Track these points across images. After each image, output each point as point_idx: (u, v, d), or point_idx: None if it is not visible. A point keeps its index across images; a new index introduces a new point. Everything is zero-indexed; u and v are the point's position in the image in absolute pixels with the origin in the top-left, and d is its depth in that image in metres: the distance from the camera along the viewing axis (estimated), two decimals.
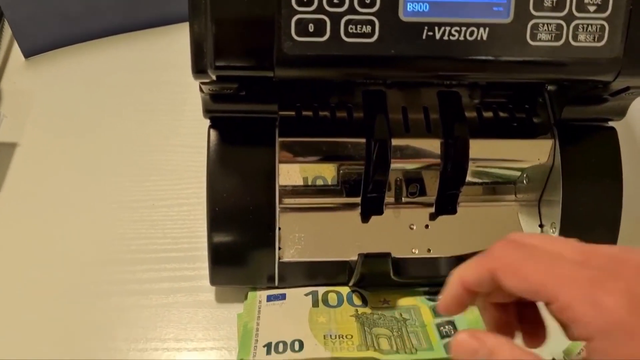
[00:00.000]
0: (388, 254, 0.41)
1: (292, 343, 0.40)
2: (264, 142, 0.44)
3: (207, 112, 0.44)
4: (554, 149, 0.47)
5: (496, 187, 0.51)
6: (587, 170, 0.46)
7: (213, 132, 0.44)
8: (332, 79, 0.45)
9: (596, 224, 0.46)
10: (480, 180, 0.50)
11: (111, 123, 0.59)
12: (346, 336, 0.41)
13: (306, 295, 0.45)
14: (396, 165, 0.45)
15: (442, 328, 0.43)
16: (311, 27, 0.36)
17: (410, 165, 0.46)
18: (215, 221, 0.44)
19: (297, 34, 0.36)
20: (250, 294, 0.46)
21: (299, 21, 0.36)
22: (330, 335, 0.41)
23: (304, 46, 0.36)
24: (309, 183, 0.49)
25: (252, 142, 0.45)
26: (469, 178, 0.48)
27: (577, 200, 0.46)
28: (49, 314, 0.46)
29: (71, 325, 0.46)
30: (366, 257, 0.41)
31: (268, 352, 0.40)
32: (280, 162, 0.45)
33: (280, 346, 0.40)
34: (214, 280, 0.46)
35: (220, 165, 0.44)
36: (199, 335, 0.46)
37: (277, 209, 0.44)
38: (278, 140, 0.45)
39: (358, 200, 0.48)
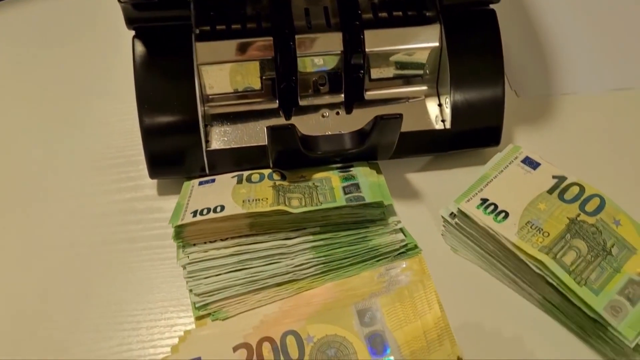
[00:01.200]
0: (291, 125, 0.47)
1: (215, 207, 0.47)
2: (183, 46, 0.51)
3: (129, 22, 0.50)
4: (441, 32, 0.53)
5: (406, 79, 0.57)
6: (470, 47, 0.53)
7: (137, 41, 0.51)
8: None
9: (482, 95, 0.53)
10: (387, 75, 0.56)
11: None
12: (262, 199, 0.47)
13: (233, 177, 0.51)
14: (303, 56, 0.51)
15: (346, 188, 0.49)
16: None
17: (315, 57, 0.52)
18: (146, 119, 0.50)
19: None
20: (185, 183, 0.52)
21: None
22: (249, 200, 0.47)
23: None
24: (238, 89, 0.55)
25: (172, 46, 0.51)
26: (377, 72, 0.54)
27: (462, 72, 0.52)
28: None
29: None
30: (272, 130, 0.47)
31: (194, 216, 0.46)
32: (199, 64, 0.51)
33: (205, 211, 0.46)
34: (152, 174, 0.52)
35: (146, 70, 0.50)
36: (145, 219, 0.52)
37: (199, 105, 0.50)
38: (195, 44, 0.51)
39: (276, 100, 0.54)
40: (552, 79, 0.64)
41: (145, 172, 0.55)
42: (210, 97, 0.54)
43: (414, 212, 0.53)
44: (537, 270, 0.45)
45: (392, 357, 0.42)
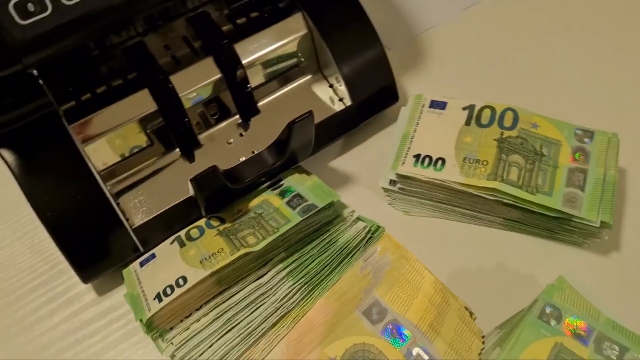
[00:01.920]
0: (213, 167, 0.44)
1: (177, 281, 0.43)
2: (58, 133, 0.45)
3: None
4: (306, 19, 0.52)
5: (286, 76, 0.56)
6: (337, 21, 0.53)
7: (5, 151, 0.45)
8: (77, 44, 0.46)
9: (366, 60, 0.53)
10: (267, 78, 0.55)
11: None
12: (218, 252, 0.44)
13: (171, 243, 0.48)
14: (186, 95, 0.48)
15: (291, 203, 0.47)
16: (31, 7, 0.37)
17: (198, 89, 0.50)
18: (53, 226, 0.45)
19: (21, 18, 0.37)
20: (125, 272, 0.47)
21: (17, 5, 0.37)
22: (205, 258, 0.44)
23: (33, 26, 0.37)
24: (127, 154, 0.50)
25: (46, 139, 0.45)
26: (257, 79, 0.52)
27: (342, 46, 0.52)
28: None
29: None
30: (196, 180, 0.44)
31: (160, 301, 0.42)
32: (83, 143, 0.46)
33: (168, 290, 0.43)
34: (85, 278, 0.47)
35: (30, 176, 0.45)
36: (98, 327, 0.47)
37: (104, 186, 0.46)
38: (70, 127, 0.46)
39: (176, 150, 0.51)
40: (410, 22, 0.66)
41: (73, 281, 0.50)
42: (105, 174, 0.49)
43: (354, 196, 0.53)
44: (492, 198, 0.47)
45: (414, 338, 0.42)
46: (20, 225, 0.53)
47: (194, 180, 0.44)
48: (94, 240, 0.47)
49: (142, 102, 0.48)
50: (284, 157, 0.49)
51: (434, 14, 0.65)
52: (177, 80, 0.49)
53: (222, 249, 0.44)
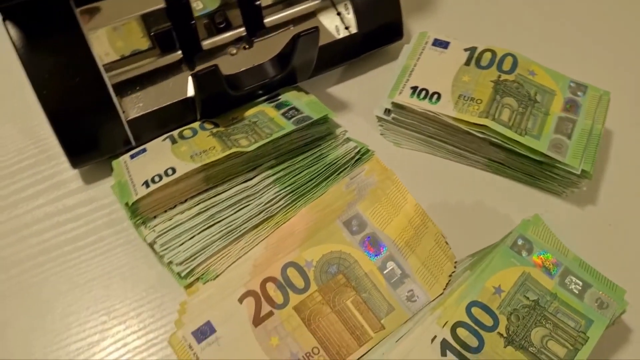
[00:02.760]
0: (214, 66, 0.45)
1: (166, 171, 0.44)
2: (65, 15, 0.45)
3: None
4: None
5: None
6: None
7: (10, 24, 0.45)
8: None
9: None
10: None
11: None
12: (209, 149, 0.45)
13: (163, 140, 0.48)
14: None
15: (286, 114, 0.48)
16: None
17: None
18: (49, 106, 0.45)
19: None
20: (114, 162, 0.48)
21: None
22: (196, 154, 0.45)
23: None
24: (127, 54, 0.51)
25: (52, 18, 0.45)
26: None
27: None
28: None
29: None
30: (196, 77, 0.44)
31: (147, 187, 0.43)
32: (89, 29, 0.46)
33: (157, 178, 0.43)
34: (74, 162, 0.48)
35: (33, 53, 0.45)
36: (82, 213, 0.48)
37: (104, 74, 0.46)
38: (77, 10, 0.46)
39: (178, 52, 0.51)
40: None
41: (62, 166, 0.50)
42: (106, 65, 0.49)
43: (347, 120, 0.54)
44: (481, 135, 0.48)
45: (390, 253, 0.43)
46: (13, 109, 0.53)
47: (194, 76, 0.44)
48: (87, 127, 0.47)
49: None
50: (286, 70, 0.49)
51: None
52: None
53: (214, 147, 0.45)
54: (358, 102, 0.55)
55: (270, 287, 0.42)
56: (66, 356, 0.42)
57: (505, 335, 0.40)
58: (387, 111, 0.52)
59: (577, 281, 0.42)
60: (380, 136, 0.54)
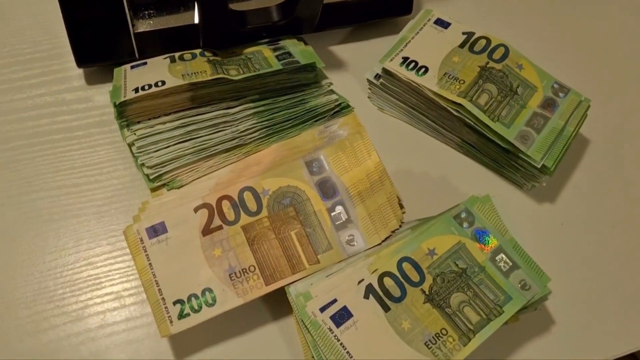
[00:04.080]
0: None
1: (156, 82, 0.47)
2: None
3: None
4: None
5: None
6: None
7: None
8: None
9: None
10: None
11: None
12: (200, 72, 0.49)
13: (165, 58, 0.52)
14: None
15: (279, 57, 0.51)
16: None
17: None
18: (66, 3, 0.49)
19: None
20: (116, 69, 0.52)
21: None
22: (188, 74, 0.49)
23: None
24: None
25: None
26: None
27: None
28: None
29: None
30: (203, 2, 0.48)
31: (136, 92, 0.47)
32: None
33: (146, 87, 0.47)
34: (79, 61, 0.52)
35: None
36: (78, 109, 0.52)
37: None
38: None
39: None
40: None
41: (69, 64, 0.54)
42: None
43: (340, 79, 0.57)
44: (457, 114, 0.51)
45: (341, 198, 0.46)
46: (37, 3, 0.57)
47: (199, 1, 0.48)
48: (97, 31, 0.51)
49: None
50: (289, 17, 0.52)
51: None
52: None
53: (205, 71, 0.49)
54: (354, 65, 0.58)
55: (225, 204, 0.45)
56: (33, 227, 0.46)
57: (427, 293, 0.43)
58: (378, 76, 0.55)
59: (507, 260, 0.45)
60: (367, 99, 0.56)
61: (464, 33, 0.55)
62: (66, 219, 0.47)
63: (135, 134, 0.47)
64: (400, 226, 0.47)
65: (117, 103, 0.46)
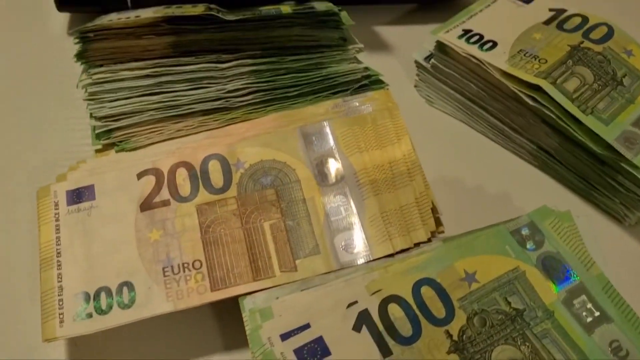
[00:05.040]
0: None
1: (129, 17, 0.37)
2: None
3: None
4: None
5: None
6: None
7: None
8: None
9: None
10: None
11: None
12: (190, 11, 0.37)
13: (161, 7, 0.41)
14: None
15: (296, 8, 0.39)
16: None
17: None
18: None
19: None
20: (99, 18, 0.42)
21: None
22: (173, 12, 0.37)
23: None
24: None
25: None
26: None
27: None
28: None
29: None
30: None
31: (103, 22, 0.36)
32: None
33: (116, 19, 0.36)
34: (60, 3, 0.42)
35: None
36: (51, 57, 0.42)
37: None
38: None
39: None
40: None
41: (50, 6, 0.44)
42: None
43: (383, 63, 0.43)
44: (532, 103, 0.36)
45: (345, 185, 0.32)
46: None
47: None
48: None
49: None
50: None
51: None
52: None
53: (195, 12, 0.37)
54: (403, 49, 0.45)
55: (181, 174, 0.32)
56: None
57: (455, 337, 0.27)
58: (429, 58, 0.41)
59: (592, 307, 0.28)
60: (414, 89, 0.43)
61: (551, 9, 0.41)
62: None
63: (91, 78, 0.36)
64: (429, 240, 0.31)
65: (78, 33, 0.35)
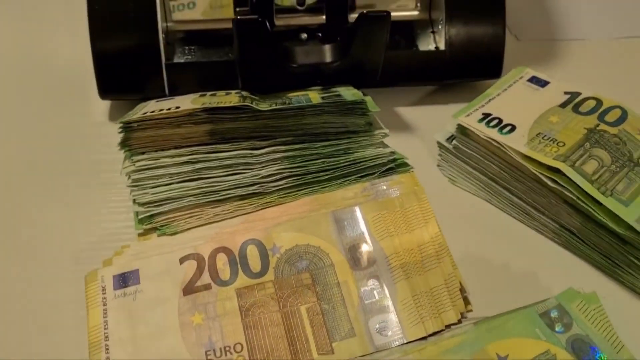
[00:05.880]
0: (261, 19, 0.40)
1: (169, 108, 0.39)
2: None
3: None
4: None
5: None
6: None
7: None
8: None
9: (479, 12, 0.47)
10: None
11: None
12: (226, 102, 0.40)
13: (195, 95, 0.44)
14: None
15: (325, 96, 0.42)
16: None
17: None
18: (96, 24, 0.44)
19: None
20: (139, 105, 0.44)
21: None
22: (210, 102, 0.40)
23: None
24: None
25: None
26: None
27: None
28: None
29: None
30: (237, 21, 0.40)
31: (145, 115, 0.39)
32: None
33: (158, 111, 0.39)
34: (103, 92, 0.45)
35: None
36: (91, 143, 0.45)
37: (158, 10, 0.44)
38: None
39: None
40: (552, 24, 0.59)
41: (93, 94, 0.47)
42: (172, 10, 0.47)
43: (406, 143, 0.46)
44: (552, 184, 0.38)
45: (377, 270, 0.33)
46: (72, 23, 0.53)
47: (234, 21, 0.40)
48: (127, 59, 0.45)
49: None
50: (346, 57, 0.43)
51: (583, 28, 0.57)
52: None
53: (231, 102, 0.40)
54: (425, 129, 0.48)
55: (221, 259, 0.34)
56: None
57: None
58: (451, 139, 0.43)
59: None
60: (436, 168, 0.45)
61: (567, 92, 0.43)
62: (37, 258, 0.37)
63: (134, 164, 0.38)
64: (459, 321, 0.33)
65: (122, 123, 0.38)
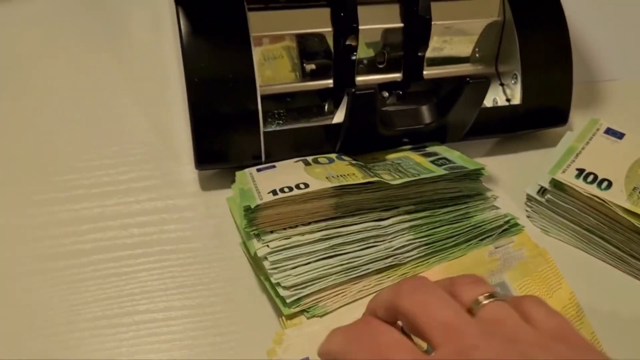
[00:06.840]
0: (375, 89, 0.41)
1: (298, 185, 0.39)
2: (235, 14, 0.44)
3: None
4: (503, 5, 0.50)
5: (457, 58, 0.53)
6: (535, 18, 0.50)
7: (181, 8, 0.44)
8: None
9: (551, 63, 0.50)
10: (439, 54, 0.52)
11: None
12: (348, 174, 0.41)
13: (296, 162, 0.44)
14: (364, 27, 0.47)
15: (436, 162, 0.43)
16: None
17: (376, 29, 0.48)
18: (195, 96, 0.43)
19: None
20: (239, 173, 0.44)
21: None
22: (333, 176, 0.40)
23: None
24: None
25: (222, 13, 0.44)
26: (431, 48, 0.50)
27: (532, 46, 0.49)
28: None
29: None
30: (354, 94, 0.41)
31: (274, 195, 0.39)
32: (253, 31, 0.45)
33: (286, 189, 0.39)
34: (199, 162, 0.44)
35: (194, 39, 0.43)
36: (191, 216, 0.44)
37: (257, 76, 0.44)
38: (247, 8, 0.45)
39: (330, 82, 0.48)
40: (596, 66, 0.62)
41: (183, 168, 0.47)
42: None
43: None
44: None
45: None
46: (150, 101, 0.52)
47: (351, 94, 0.41)
48: (224, 129, 0.44)
49: (318, 19, 0.47)
50: (444, 117, 0.45)
51: (616, 68, 0.62)
52: (361, 12, 0.47)
53: (354, 174, 0.41)
54: (506, 180, 0.50)
55: None
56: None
57: None
58: (541, 192, 0.46)
59: None
60: (525, 219, 0.47)
61: None
62: (172, 349, 0.37)
63: (268, 246, 0.38)
64: None
65: (252, 207, 0.38)
